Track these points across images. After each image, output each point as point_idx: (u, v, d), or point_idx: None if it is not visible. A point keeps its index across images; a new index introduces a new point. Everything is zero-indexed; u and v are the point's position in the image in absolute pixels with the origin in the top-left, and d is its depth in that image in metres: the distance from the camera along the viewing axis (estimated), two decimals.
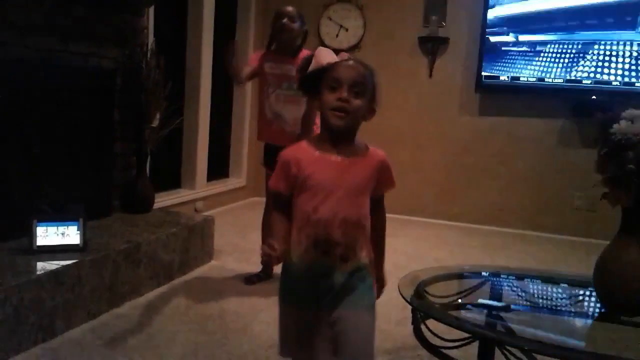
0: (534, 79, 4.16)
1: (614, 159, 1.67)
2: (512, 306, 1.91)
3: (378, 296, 1.51)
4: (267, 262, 1.43)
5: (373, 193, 1.46)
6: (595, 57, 3.99)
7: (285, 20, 2.70)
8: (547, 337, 1.60)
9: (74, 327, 2.19)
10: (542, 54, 4.13)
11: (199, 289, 2.77)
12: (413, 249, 3.69)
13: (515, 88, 4.23)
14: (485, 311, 1.85)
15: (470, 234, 4.26)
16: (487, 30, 4.24)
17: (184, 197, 4.00)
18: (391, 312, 2.39)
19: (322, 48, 1.46)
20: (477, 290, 2.05)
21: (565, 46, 4.06)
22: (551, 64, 4.11)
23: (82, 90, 2.77)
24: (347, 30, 4.69)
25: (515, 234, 4.29)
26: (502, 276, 2.21)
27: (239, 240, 3.60)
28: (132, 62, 3.03)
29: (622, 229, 1.73)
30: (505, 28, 4.23)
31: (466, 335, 1.56)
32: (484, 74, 4.27)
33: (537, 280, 2.17)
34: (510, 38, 4.22)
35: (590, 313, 1.94)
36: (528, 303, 2.00)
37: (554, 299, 2.11)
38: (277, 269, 1.51)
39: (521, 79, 4.19)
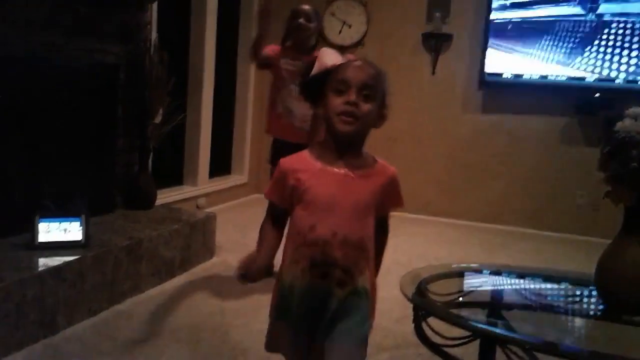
0: (537, 76, 4.14)
1: (617, 157, 1.66)
2: (514, 304, 1.90)
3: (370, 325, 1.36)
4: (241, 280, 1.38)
5: (377, 212, 1.32)
6: (605, 40, 3.94)
7: (301, 20, 2.71)
8: (548, 336, 1.59)
9: (76, 323, 2.20)
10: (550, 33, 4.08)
11: (201, 285, 2.77)
12: (414, 246, 3.69)
13: (518, 85, 4.22)
14: (486, 309, 1.84)
15: (472, 232, 4.25)
16: (491, 14, 4.20)
17: (186, 194, 4.01)
18: (392, 309, 2.38)
19: (326, 48, 1.37)
20: (479, 289, 2.04)
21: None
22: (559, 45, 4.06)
23: (85, 86, 2.78)
24: (350, 26, 4.67)
25: (517, 232, 4.28)
26: (503, 274, 2.21)
27: (240, 237, 3.60)
28: (135, 58, 3.03)
29: (624, 228, 1.72)
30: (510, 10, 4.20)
31: (467, 333, 1.55)
32: (486, 71, 4.25)
33: (539, 279, 2.17)
34: (518, 13, 4.16)
35: (591, 312, 1.93)
36: (529, 301, 1.99)
37: (555, 298, 2.11)
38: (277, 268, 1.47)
39: (524, 76, 4.18)
